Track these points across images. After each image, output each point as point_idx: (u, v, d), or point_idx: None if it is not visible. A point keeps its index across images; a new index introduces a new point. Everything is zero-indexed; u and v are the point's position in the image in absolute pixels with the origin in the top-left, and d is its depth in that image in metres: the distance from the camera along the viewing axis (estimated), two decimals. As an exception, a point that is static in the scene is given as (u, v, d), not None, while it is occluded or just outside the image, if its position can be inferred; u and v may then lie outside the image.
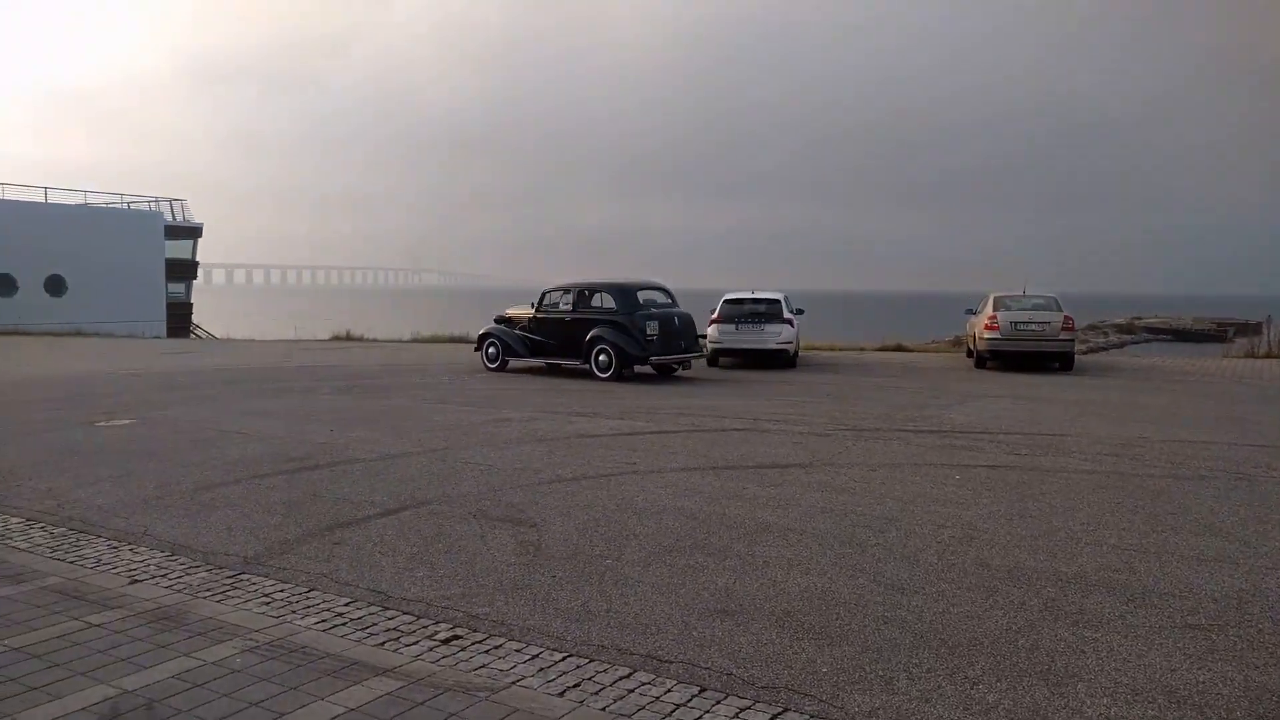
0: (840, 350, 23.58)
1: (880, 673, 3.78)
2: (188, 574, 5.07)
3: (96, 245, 40.05)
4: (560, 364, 16.68)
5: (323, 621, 4.35)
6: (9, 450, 8.75)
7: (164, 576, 5.02)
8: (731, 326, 17.77)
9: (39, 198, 40.60)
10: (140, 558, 5.37)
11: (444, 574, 5.06)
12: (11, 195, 39.62)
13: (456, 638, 4.16)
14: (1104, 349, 36.51)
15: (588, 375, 15.87)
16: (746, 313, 17.85)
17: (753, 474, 7.72)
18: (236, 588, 4.84)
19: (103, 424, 10.45)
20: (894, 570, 5.12)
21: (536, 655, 3.95)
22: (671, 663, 3.88)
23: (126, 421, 10.63)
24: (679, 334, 15.84)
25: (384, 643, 4.09)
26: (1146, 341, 46.15)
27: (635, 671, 3.79)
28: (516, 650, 4.01)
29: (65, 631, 4.19)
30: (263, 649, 4.00)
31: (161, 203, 45.34)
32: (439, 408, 11.87)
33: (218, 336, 40.31)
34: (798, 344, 18.90)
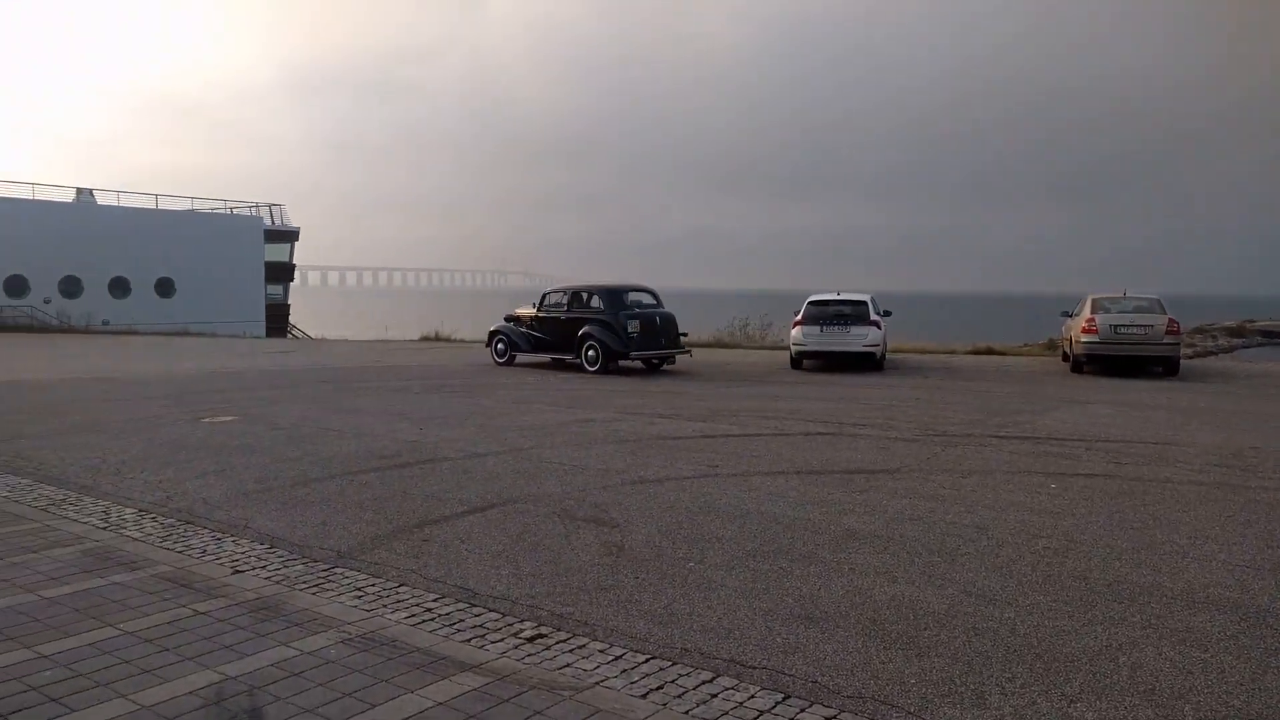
0: (929, 353, 23.04)
1: (972, 686, 3.68)
2: (285, 566, 5.26)
3: (202, 249, 41.99)
4: (559, 358, 18.23)
5: (412, 616, 4.45)
6: (124, 444, 9.23)
7: (264, 568, 5.22)
8: (816, 328, 17.54)
9: (150, 204, 42.75)
10: (242, 549, 5.60)
11: (529, 572, 5.13)
12: (126, 202, 41.84)
13: (541, 636, 4.21)
14: (1212, 353, 34.77)
15: (580, 369, 17.36)
16: (831, 314, 17.60)
17: (838, 479, 7.60)
18: (331, 581, 5.00)
19: (207, 420, 10.93)
20: (986, 581, 4.98)
21: (620, 656, 3.97)
22: (755, 668, 3.85)
23: (229, 418, 11.10)
24: (660, 332, 17.34)
25: (471, 639, 4.17)
26: (1260, 345, 43.78)
27: (718, 676, 3.77)
28: (600, 650, 4.03)
29: (174, 618, 4.39)
30: (355, 641, 4.12)
31: (261, 207, 47.23)
32: (524, 408, 12.05)
33: (313, 337, 41.74)
34: (885, 346, 18.54)
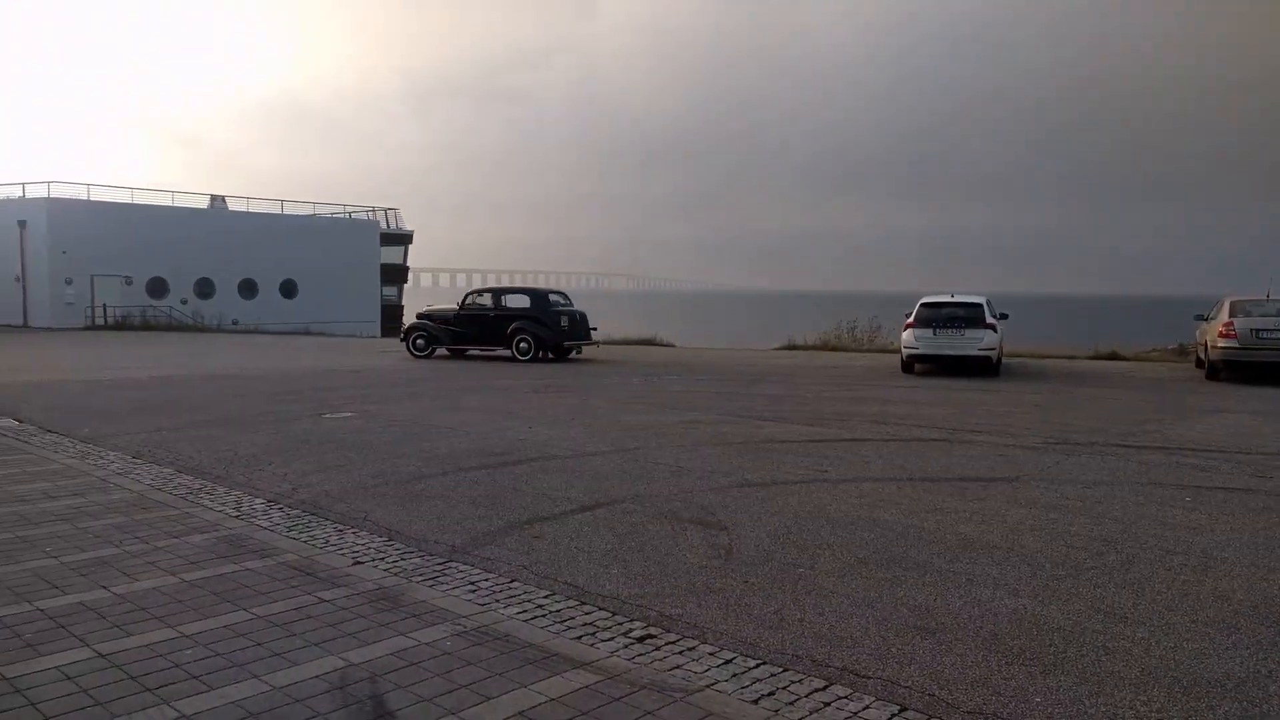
0: (1047, 358, 22.12)
1: (1103, 708, 3.50)
2: (402, 559, 5.43)
3: (323, 252, 43.90)
4: (483, 351, 20.72)
5: (524, 612, 4.53)
6: (254, 438, 9.72)
7: (382, 559, 5.40)
8: (929, 331, 17.07)
9: (276, 209, 44.96)
10: (361, 541, 5.81)
11: (637, 572, 5.15)
12: (255, 207, 44.13)
13: (650, 637, 4.21)
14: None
15: (510, 360, 19.94)
16: (945, 317, 17.09)
17: (953, 487, 7.37)
18: (445, 574, 5.13)
19: (328, 416, 11.41)
20: (1115, 597, 4.73)
21: (730, 660, 3.94)
22: (869, 678, 3.76)
23: (348, 415, 11.56)
24: (579, 326, 20.37)
25: (581, 636, 4.21)
26: None
27: (831, 684, 3.70)
28: (710, 653, 4.01)
29: (300, 605, 4.59)
30: (470, 634, 4.21)
31: (377, 211, 49.05)
32: (630, 408, 12.12)
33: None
34: (1001, 350, 17.89)
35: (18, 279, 37.08)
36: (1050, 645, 4.10)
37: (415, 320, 21.29)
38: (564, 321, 19.96)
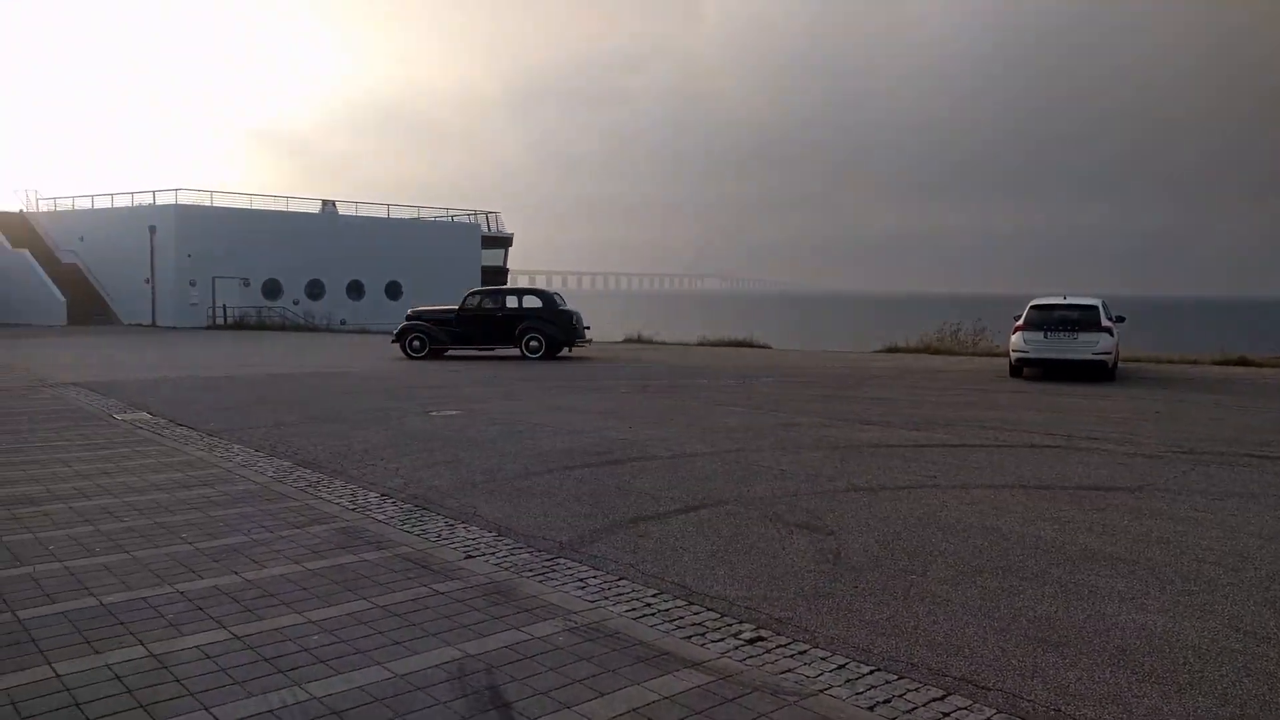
0: (1167, 363, 21.06)
1: (1245, 732, 3.31)
2: (512, 554, 5.54)
3: (426, 255, 45.17)
4: (480, 351, 21.18)
5: (633, 610, 4.56)
6: (364, 433, 10.08)
7: (493, 554, 5.52)
8: (1039, 334, 16.46)
9: (382, 214, 46.49)
10: (472, 536, 5.95)
11: (744, 575, 5.12)
12: (363, 212, 45.75)
13: (760, 639, 4.19)
14: None
15: (519, 359, 20.50)
16: (1057, 320, 16.45)
17: (1069, 495, 7.09)
18: (554, 570, 5.21)
19: (435, 414, 11.73)
20: (1255, 615, 4.47)
21: (843, 665, 3.88)
22: (990, 690, 3.65)
23: (453, 412, 11.86)
24: (578, 325, 21.20)
25: (691, 636, 4.21)
26: None
27: (950, 694, 3.61)
28: (822, 658, 3.96)
29: (417, 596, 4.73)
30: (581, 630, 4.27)
31: (479, 215, 50.18)
32: (727, 409, 12.08)
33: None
34: (1117, 355, 17.12)
35: (147, 281, 39.37)
36: (1185, 664, 3.90)
37: (409, 322, 21.24)
38: (575, 321, 20.95)
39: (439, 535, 5.94)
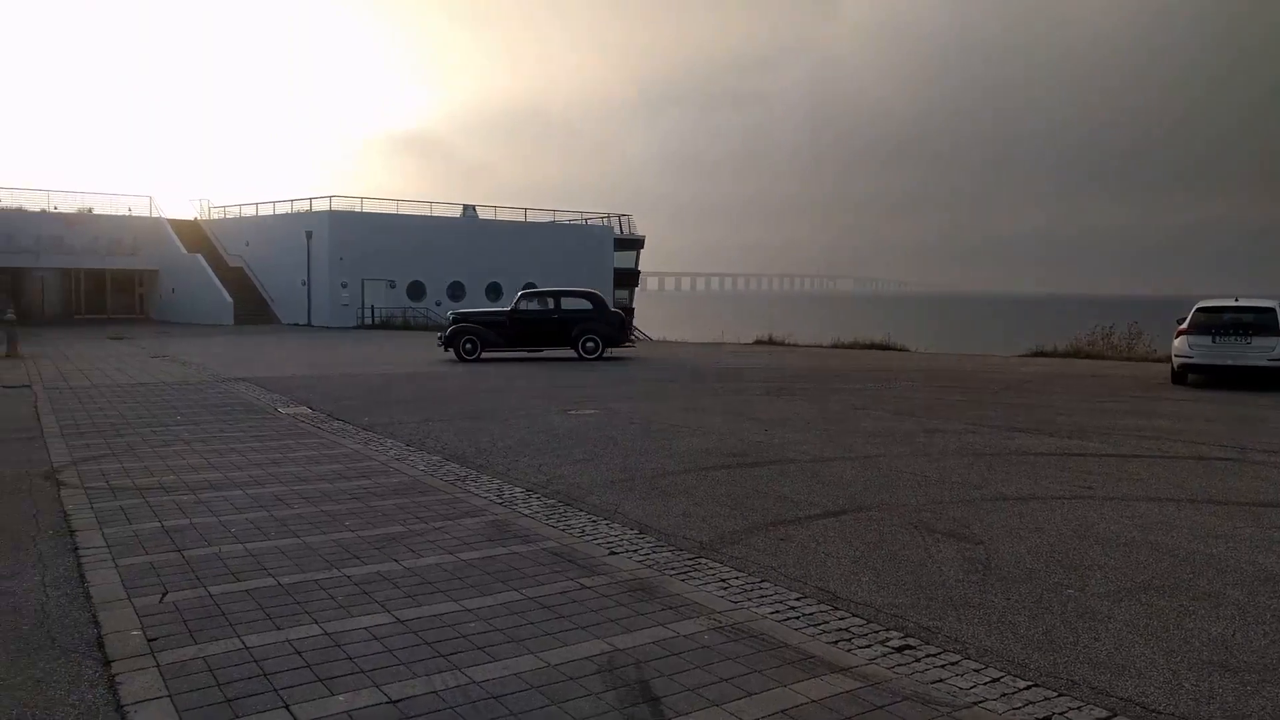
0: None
1: None
2: (654, 552, 5.63)
3: (561, 257, 46.20)
4: (530, 353, 21.11)
5: (777, 612, 4.57)
6: (507, 430, 10.43)
7: (635, 551, 5.63)
8: (1206, 339, 15.36)
9: (520, 217, 47.87)
10: (615, 532, 6.08)
11: (889, 581, 5.04)
12: (501, 216, 47.26)
13: (909, 647, 4.12)
14: None
15: (571, 359, 20.60)
16: (1228, 323, 15.31)
17: (1246, 512, 6.61)
18: (696, 570, 5.27)
19: (573, 412, 12.01)
20: None
21: (998, 679, 3.77)
22: (1161, 714, 3.47)
23: (591, 411, 12.12)
24: (629, 326, 22.40)
25: (836, 641, 4.19)
26: None
27: (1115, 715, 3.45)
28: (975, 670, 3.86)
29: (565, 589, 4.88)
30: (726, 630, 4.31)
31: (611, 217, 50.93)
32: (865, 413, 11.85)
33: (653, 339, 44.29)
34: (1295, 361, 15.76)
35: (303, 283, 41.87)
36: (1384, 698, 3.59)
37: (459, 324, 20.87)
38: (625, 323, 21.47)
39: (583, 531, 6.10)
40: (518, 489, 7.39)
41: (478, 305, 44.16)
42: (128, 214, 46.02)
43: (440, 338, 21.27)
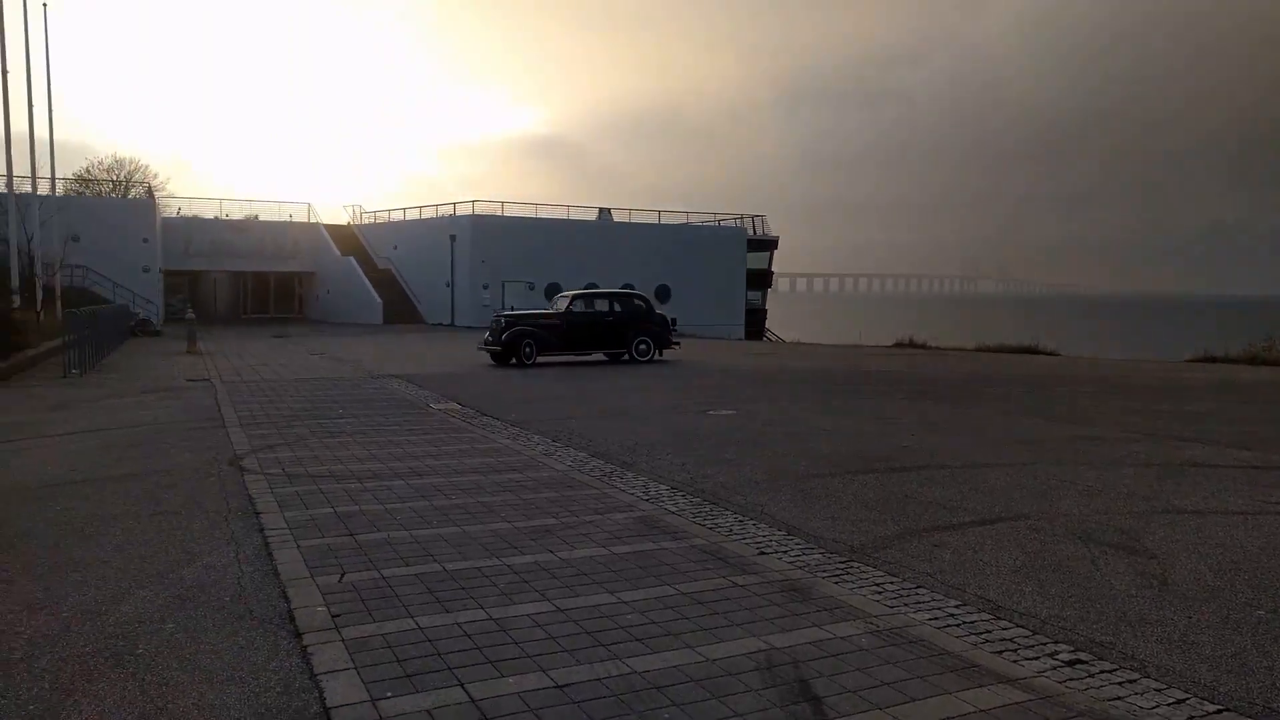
0: None
1: None
2: (804, 554, 5.60)
3: (693, 258, 46.35)
4: (578, 357, 20.32)
5: (935, 619, 4.47)
6: (647, 429, 10.57)
7: (785, 553, 5.61)
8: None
9: (653, 219, 48.31)
10: (763, 533, 6.08)
11: (1055, 593, 4.84)
12: (636, 218, 47.84)
13: (1080, 661, 3.95)
14: None
15: (614, 361, 20.25)
16: None
17: None
18: (849, 573, 5.21)
19: (711, 413, 12.05)
20: None
21: (1182, 700, 3.57)
22: (1373, 748, 3.20)
23: (729, 412, 12.12)
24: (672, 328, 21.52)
25: (1001, 651, 4.06)
26: None
27: (1319, 747, 3.21)
28: (1156, 689, 3.67)
29: (718, 586, 4.93)
30: (884, 634, 4.25)
31: (745, 218, 50.70)
32: (1017, 419, 11.38)
33: (786, 340, 43.78)
34: None
35: (447, 284, 43.62)
36: None
37: (518, 327, 19.52)
38: (668, 323, 21.23)
39: (730, 530, 6.13)
40: (663, 486, 7.48)
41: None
42: (289, 220, 49.14)
43: (486, 340, 20.04)
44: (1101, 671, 3.84)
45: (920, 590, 4.91)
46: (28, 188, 27.53)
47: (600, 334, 20.49)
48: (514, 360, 19.21)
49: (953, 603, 4.71)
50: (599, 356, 20.82)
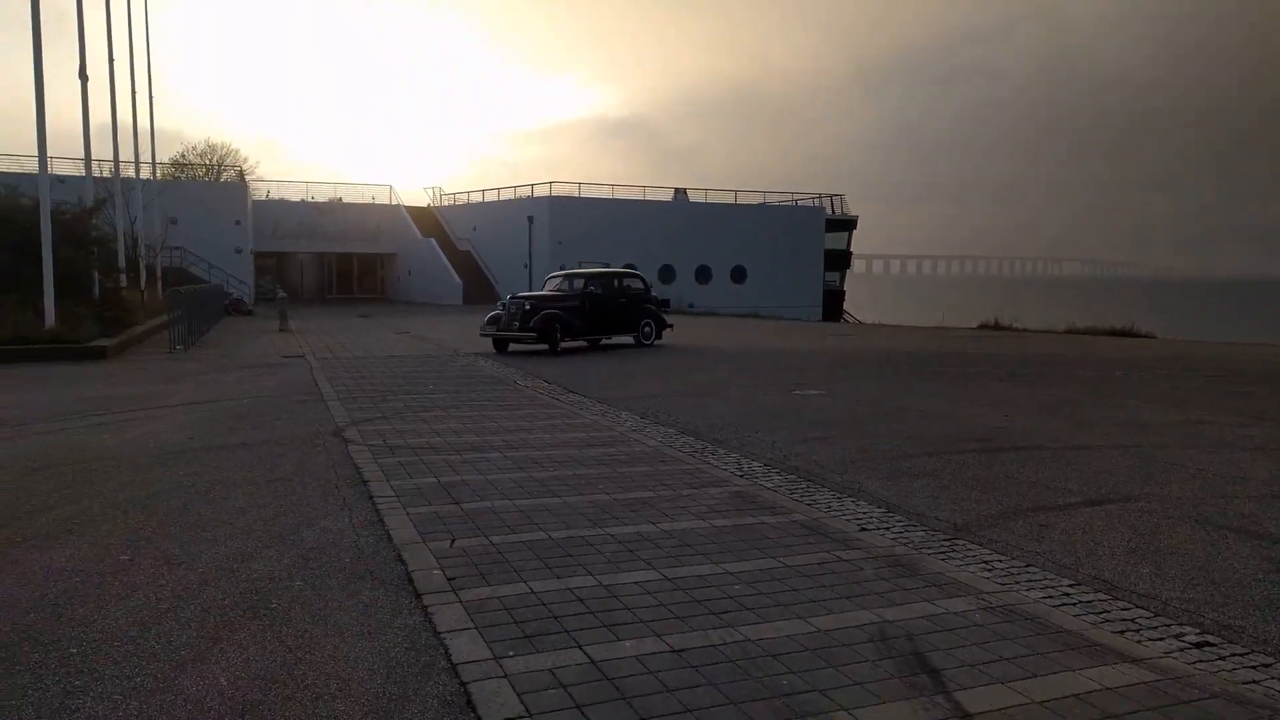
0: None
1: None
2: (907, 530, 5.55)
3: (770, 239, 45.96)
4: (589, 341, 18.59)
5: (1049, 597, 4.39)
6: (732, 408, 10.57)
7: (886, 529, 5.57)
8: None
9: (730, 200, 48.00)
10: (861, 510, 6.04)
11: (1174, 575, 4.70)
12: (712, 199, 47.59)
13: (1208, 644, 3.84)
14: None
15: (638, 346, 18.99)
16: None
17: None
18: (954, 550, 5.15)
19: (797, 392, 11.98)
20: None
21: (1323, 687, 3.45)
22: None
23: (816, 392, 12.03)
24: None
25: (1123, 631, 3.97)
26: None
27: None
28: (1293, 675, 3.55)
29: (821, 560, 4.92)
30: (997, 611, 4.20)
31: (823, 198, 49.98)
32: (1116, 401, 11.03)
33: (864, 322, 43.12)
34: None
35: (525, 265, 44.14)
36: None
37: (548, 310, 17.36)
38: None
39: (829, 506, 6.11)
40: (756, 463, 7.48)
41: (687, 288, 44.80)
42: (371, 202, 50.31)
43: (497, 326, 17.63)
44: (1233, 655, 3.73)
45: (1030, 569, 4.83)
46: (130, 173, 28.75)
47: (615, 316, 18.75)
48: (548, 346, 17.32)
49: (1066, 582, 4.62)
50: (625, 339, 19.29)
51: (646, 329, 19.36)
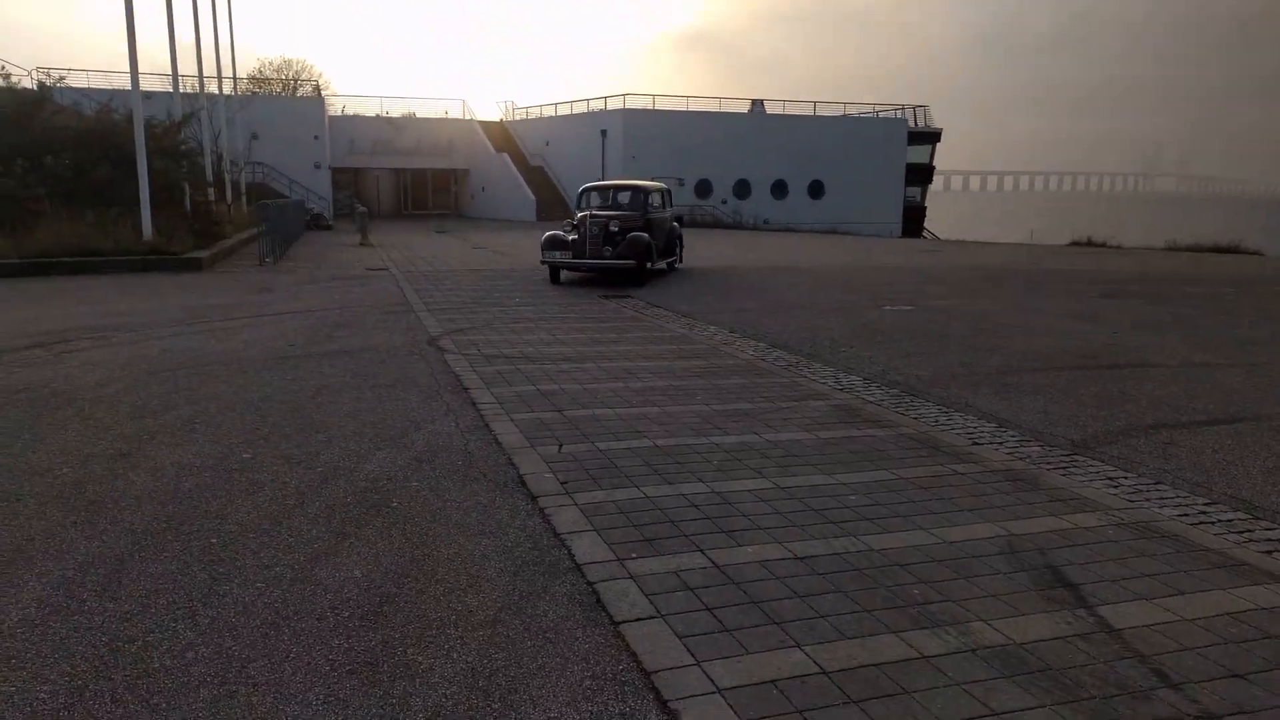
0: None
1: None
2: (1021, 446, 5.37)
3: (850, 153, 44.53)
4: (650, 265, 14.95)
5: (1185, 515, 4.20)
6: (825, 322, 10.35)
7: (1000, 444, 5.40)
8: None
9: (808, 111, 46.49)
10: (970, 424, 5.86)
11: (1318, 497, 4.46)
12: (790, 110, 46.15)
13: (1365, 567, 3.63)
14: None
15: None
16: None
17: None
18: (1075, 467, 4.96)
19: (888, 308, 11.67)
20: None
21: None
22: None
23: (907, 308, 11.70)
24: None
25: (1271, 552, 3.78)
26: None
27: None
28: None
29: (936, 473, 4.80)
30: (1130, 527, 4.03)
31: (906, 109, 48.05)
32: (1231, 319, 10.49)
33: (943, 239, 41.81)
34: None
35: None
36: None
37: (636, 231, 14.40)
38: None
39: (936, 420, 5.94)
40: (855, 378, 7.32)
41: (763, 203, 43.88)
42: (444, 116, 50.13)
43: (561, 250, 14.50)
44: (1394, 578, 3.52)
45: (1160, 485, 4.63)
46: (213, 89, 29.08)
47: (662, 237, 15.93)
48: (638, 278, 14.39)
49: (1201, 500, 4.41)
50: (662, 265, 16.32)
51: (681, 251, 17.48)
